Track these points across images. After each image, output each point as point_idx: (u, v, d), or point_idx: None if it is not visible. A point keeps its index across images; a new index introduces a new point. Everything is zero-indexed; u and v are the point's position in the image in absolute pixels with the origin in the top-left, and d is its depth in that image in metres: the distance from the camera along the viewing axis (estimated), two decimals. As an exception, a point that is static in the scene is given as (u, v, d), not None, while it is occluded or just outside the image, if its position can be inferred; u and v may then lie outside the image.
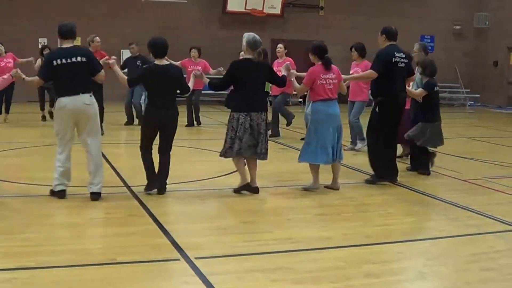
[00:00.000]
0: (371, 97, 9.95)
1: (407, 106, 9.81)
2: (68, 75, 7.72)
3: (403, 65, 9.32)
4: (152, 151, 8.35)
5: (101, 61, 8.52)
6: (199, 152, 12.48)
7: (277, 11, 24.74)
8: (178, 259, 5.86)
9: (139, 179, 8.27)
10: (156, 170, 8.32)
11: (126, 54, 20.44)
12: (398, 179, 9.47)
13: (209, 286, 5.21)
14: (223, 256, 6.03)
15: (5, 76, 8.40)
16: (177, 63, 14.17)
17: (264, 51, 8.76)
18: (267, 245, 6.38)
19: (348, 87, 10.53)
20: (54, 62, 7.73)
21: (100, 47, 14.70)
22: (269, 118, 8.73)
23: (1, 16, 21.76)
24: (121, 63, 16.23)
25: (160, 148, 8.33)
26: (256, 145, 8.35)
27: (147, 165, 8.28)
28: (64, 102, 7.72)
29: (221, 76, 8.89)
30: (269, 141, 8.76)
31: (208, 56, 17.58)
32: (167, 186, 8.36)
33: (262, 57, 8.46)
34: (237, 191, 8.51)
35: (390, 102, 9.16)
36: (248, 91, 8.31)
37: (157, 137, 8.39)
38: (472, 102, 26.69)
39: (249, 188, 8.51)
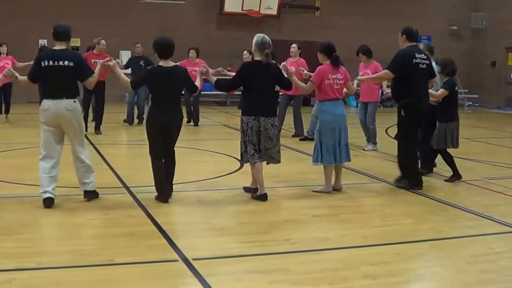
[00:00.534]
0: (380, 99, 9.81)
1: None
2: (53, 78, 7.60)
3: (424, 66, 9.07)
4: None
5: (100, 62, 8.32)
6: (197, 152, 12.47)
7: (274, 11, 24.89)
8: (176, 260, 5.85)
9: (137, 180, 8.28)
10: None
11: (124, 55, 20.61)
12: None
13: (207, 287, 5.21)
14: (220, 257, 6.04)
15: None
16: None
17: (273, 53, 8.66)
18: (264, 246, 6.38)
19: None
20: (42, 63, 7.61)
21: (104, 50, 14.92)
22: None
23: (1, 17, 21.78)
24: (121, 63, 16.27)
25: (165, 150, 8.05)
26: (269, 149, 8.26)
27: (156, 173, 7.98)
28: (47, 105, 7.62)
29: (225, 77, 8.75)
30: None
31: (205, 56, 17.62)
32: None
33: (270, 59, 8.27)
34: (256, 198, 8.30)
35: (414, 104, 8.94)
36: (257, 95, 8.13)
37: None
38: (470, 103, 26.69)
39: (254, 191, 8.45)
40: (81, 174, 7.85)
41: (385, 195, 8.80)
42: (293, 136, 14.67)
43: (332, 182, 8.87)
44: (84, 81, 7.90)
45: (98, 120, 14.86)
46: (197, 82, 8.50)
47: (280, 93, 8.89)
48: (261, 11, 24.55)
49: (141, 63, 15.94)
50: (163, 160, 8.00)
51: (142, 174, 8.14)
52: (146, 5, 22.83)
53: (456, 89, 9.77)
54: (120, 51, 20.99)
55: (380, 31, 24.14)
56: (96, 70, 8.13)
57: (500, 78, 26.73)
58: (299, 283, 5.38)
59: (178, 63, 14.83)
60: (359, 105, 13.20)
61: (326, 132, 8.61)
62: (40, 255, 5.93)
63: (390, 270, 5.77)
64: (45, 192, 7.58)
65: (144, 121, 16.50)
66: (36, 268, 5.53)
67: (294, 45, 14.82)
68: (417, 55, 9.03)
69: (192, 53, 16.65)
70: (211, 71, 8.92)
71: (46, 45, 19.21)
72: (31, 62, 16.68)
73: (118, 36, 21.57)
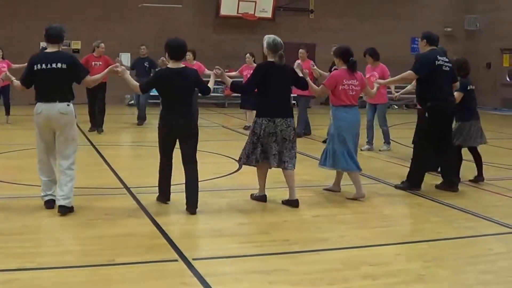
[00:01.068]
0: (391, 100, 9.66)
1: None
2: (46, 81, 7.42)
3: (447, 68, 8.99)
4: (173, 161, 7.89)
5: (108, 68, 8.14)
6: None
7: (268, 14, 25.09)
8: (176, 260, 5.87)
9: (137, 181, 8.28)
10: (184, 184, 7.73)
11: (124, 57, 20.78)
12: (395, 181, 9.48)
13: (207, 287, 5.23)
14: (220, 257, 6.07)
15: None
16: None
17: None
18: (264, 247, 6.39)
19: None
20: (35, 67, 7.45)
21: (103, 53, 15.34)
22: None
23: (2, 19, 21.82)
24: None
25: (183, 159, 7.71)
26: (282, 152, 7.97)
27: (162, 173, 7.83)
28: (40, 108, 7.42)
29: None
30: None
31: (202, 59, 17.70)
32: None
33: (284, 60, 8.08)
34: (254, 198, 8.23)
35: (440, 107, 8.85)
36: (273, 95, 7.94)
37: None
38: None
39: (287, 202, 8.12)
40: (60, 185, 7.46)
41: (384, 196, 8.81)
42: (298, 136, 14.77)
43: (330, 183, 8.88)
44: (79, 81, 7.69)
45: (100, 120, 15.17)
46: (210, 84, 8.18)
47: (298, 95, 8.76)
48: (256, 14, 24.81)
49: (145, 64, 16.58)
50: (184, 172, 7.70)
51: (143, 175, 8.14)
52: (144, 8, 23.01)
53: (469, 88, 9.59)
54: (120, 54, 21.09)
55: (374, 33, 24.23)
56: (101, 74, 8.12)
57: (496, 80, 26.78)
58: (299, 283, 5.40)
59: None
60: (366, 106, 13.23)
61: (341, 138, 8.44)
62: (41, 255, 5.95)
63: (389, 271, 5.79)
64: (46, 195, 7.56)
65: (145, 122, 16.68)
66: (38, 268, 5.54)
67: (302, 50, 15.10)
68: (439, 57, 8.96)
69: (189, 55, 16.60)
70: (207, 71, 8.79)
71: (46, 46, 19.26)
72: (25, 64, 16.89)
73: (118, 38, 21.71)
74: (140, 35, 21.45)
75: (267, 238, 6.71)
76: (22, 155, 11.52)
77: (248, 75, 8.89)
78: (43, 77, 7.43)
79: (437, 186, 9.22)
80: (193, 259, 5.85)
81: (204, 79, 8.40)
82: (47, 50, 7.62)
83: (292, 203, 8.04)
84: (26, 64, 7.74)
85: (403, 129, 15.96)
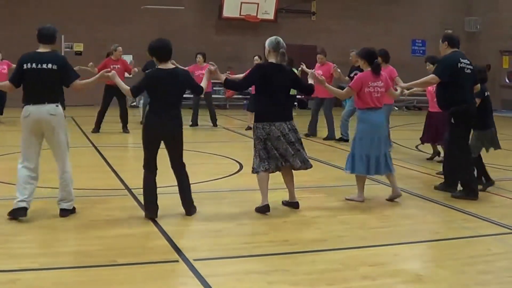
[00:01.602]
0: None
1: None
2: (35, 82, 7.21)
3: (469, 71, 8.82)
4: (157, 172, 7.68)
5: (100, 73, 7.89)
6: (197, 155, 12.50)
7: (271, 16, 25.15)
8: (177, 261, 5.92)
9: (139, 182, 8.26)
10: (178, 191, 7.68)
11: (126, 59, 20.67)
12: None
13: (207, 287, 5.27)
14: (221, 258, 6.12)
15: None
16: (185, 69, 14.75)
17: (290, 59, 8.46)
18: (264, 247, 6.44)
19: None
20: (24, 66, 7.25)
21: (120, 56, 15.97)
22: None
23: (3, 22, 21.88)
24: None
25: (172, 164, 7.62)
26: (288, 155, 7.72)
27: (146, 186, 7.53)
28: (29, 110, 7.20)
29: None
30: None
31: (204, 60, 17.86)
32: (165, 189, 8.16)
33: (285, 59, 7.94)
34: (259, 211, 7.79)
35: (465, 111, 8.69)
36: (271, 98, 7.72)
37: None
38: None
39: (287, 203, 8.07)
40: (60, 189, 7.40)
41: (383, 197, 8.81)
42: (324, 139, 15.02)
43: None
44: (69, 84, 7.42)
45: (124, 121, 15.76)
46: (203, 83, 7.96)
47: (312, 96, 8.70)
48: (258, 16, 24.88)
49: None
50: (175, 177, 7.65)
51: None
52: (146, 10, 22.98)
53: (486, 95, 9.45)
54: (122, 56, 21.08)
55: (375, 35, 24.26)
56: (93, 79, 7.94)
57: (495, 81, 26.79)
58: (298, 283, 5.44)
59: (186, 68, 15.14)
60: None
61: (362, 142, 8.35)
62: (43, 256, 5.98)
63: (388, 271, 5.84)
64: (21, 200, 7.21)
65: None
66: (40, 269, 5.58)
67: (320, 55, 15.31)
68: (461, 60, 8.78)
69: (199, 57, 17.40)
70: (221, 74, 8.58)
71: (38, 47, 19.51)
72: None
73: (120, 40, 21.66)
74: (141, 36, 21.37)
75: (267, 239, 6.76)
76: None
77: None
78: (32, 77, 7.23)
79: (436, 187, 9.26)
80: (194, 260, 5.89)
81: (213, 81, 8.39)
82: (38, 50, 7.42)
83: (293, 204, 8.03)
84: None
85: (404, 131, 16.05)
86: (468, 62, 8.87)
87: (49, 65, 7.24)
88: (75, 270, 5.61)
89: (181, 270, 5.72)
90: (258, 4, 24.73)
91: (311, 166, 7.99)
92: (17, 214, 7.11)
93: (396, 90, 9.26)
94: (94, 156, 11.88)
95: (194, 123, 17.40)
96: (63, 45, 22.49)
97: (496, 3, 26.45)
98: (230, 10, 24.60)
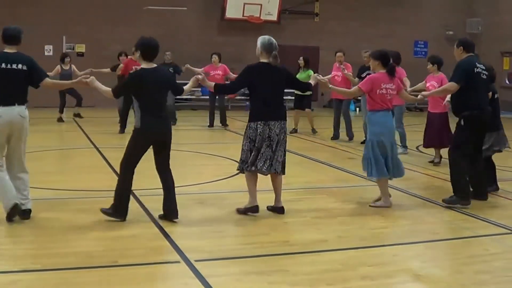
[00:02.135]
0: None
1: (445, 110, 9.51)
2: (5, 83, 7.03)
3: (485, 76, 8.65)
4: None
5: (77, 79, 7.76)
6: (198, 155, 12.56)
7: (274, 17, 25.08)
8: (178, 262, 5.96)
9: (140, 183, 8.31)
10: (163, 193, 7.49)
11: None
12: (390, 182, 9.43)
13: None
14: (222, 259, 6.15)
15: None
16: (200, 70, 15.28)
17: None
18: (264, 248, 6.47)
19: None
20: None
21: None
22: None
23: (3, 22, 21.78)
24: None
25: (161, 167, 7.50)
26: (272, 157, 7.64)
27: (125, 187, 7.39)
28: None
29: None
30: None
31: (206, 61, 17.98)
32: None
33: (278, 61, 7.77)
34: (242, 212, 7.79)
35: (477, 116, 8.50)
36: (265, 98, 7.62)
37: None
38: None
39: (272, 209, 7.94)
40: (21, 189, 7.22)
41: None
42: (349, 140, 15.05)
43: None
44: (40, 83, 7.28)
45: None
46: (187, 87, 7.87)
47: (331, 98, 8.60)
48: (261, 17, 24.77)
49: (170, 70, 16.04)
50: (162, 180, 7.50)
51: (145, 178, 8.17)
52: (149, 11, 22.99)
53: (496, 96, 9.38)
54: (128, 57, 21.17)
55: (377, 36, 24.24)
56: (68, 82, 7.85)
57: (496, 83, 26.80)
58: (298, 284, 5.48)
59: (202, 69, 15.23)
60: None
61: (376, 144, 8.26)
62: (45, 257, 6.01)
63: (387, 271, 5.87)
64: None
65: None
66: (41, 270, 5.63)
67: (339, 53, 15.24)
68: (477, 65, 8.64)
69: (215, 57, 17.56)
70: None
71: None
72: None
73: (121, 41, 21.72)
74: (143, 37, 21.48)
75: (267, 239, 6.80)
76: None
77: None
78: (2, 77, 7.07)
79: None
80: (195, 261, 5.93)
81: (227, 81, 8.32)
82: (6, 50, 7.22)
83: (279, 210, 7.90)
84: None
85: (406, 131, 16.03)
86: (484, 68, 8.72)
87: (19, 66, 7.11)
88: (77, 271, 5.63)
89: (182, 271, 5.74)
90: (261, 5, 24.63)
91: (282, 173, 7.82)
92: (12, 215, 7.03)
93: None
94: (95, 157, 11.91)
95: (211, 124, 17.64)
96: (64, 46, 22.51)
97: (497, 5, 26.45)
98: (232, 11, 24.52)
